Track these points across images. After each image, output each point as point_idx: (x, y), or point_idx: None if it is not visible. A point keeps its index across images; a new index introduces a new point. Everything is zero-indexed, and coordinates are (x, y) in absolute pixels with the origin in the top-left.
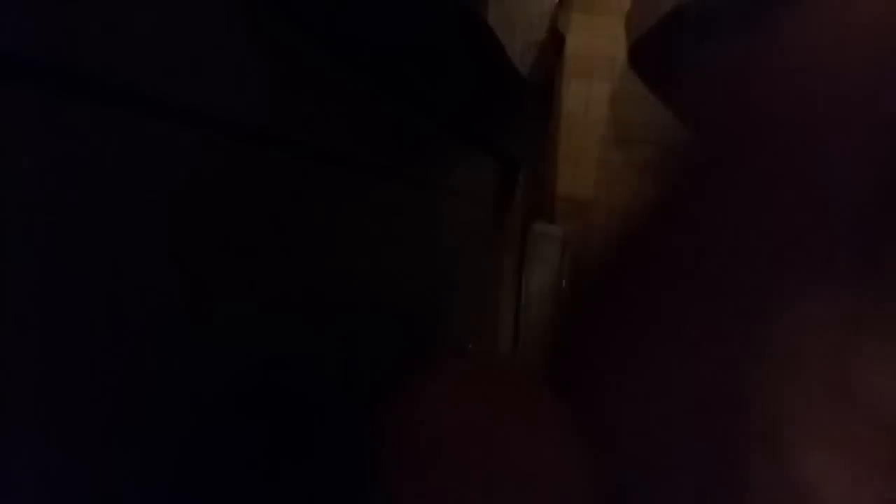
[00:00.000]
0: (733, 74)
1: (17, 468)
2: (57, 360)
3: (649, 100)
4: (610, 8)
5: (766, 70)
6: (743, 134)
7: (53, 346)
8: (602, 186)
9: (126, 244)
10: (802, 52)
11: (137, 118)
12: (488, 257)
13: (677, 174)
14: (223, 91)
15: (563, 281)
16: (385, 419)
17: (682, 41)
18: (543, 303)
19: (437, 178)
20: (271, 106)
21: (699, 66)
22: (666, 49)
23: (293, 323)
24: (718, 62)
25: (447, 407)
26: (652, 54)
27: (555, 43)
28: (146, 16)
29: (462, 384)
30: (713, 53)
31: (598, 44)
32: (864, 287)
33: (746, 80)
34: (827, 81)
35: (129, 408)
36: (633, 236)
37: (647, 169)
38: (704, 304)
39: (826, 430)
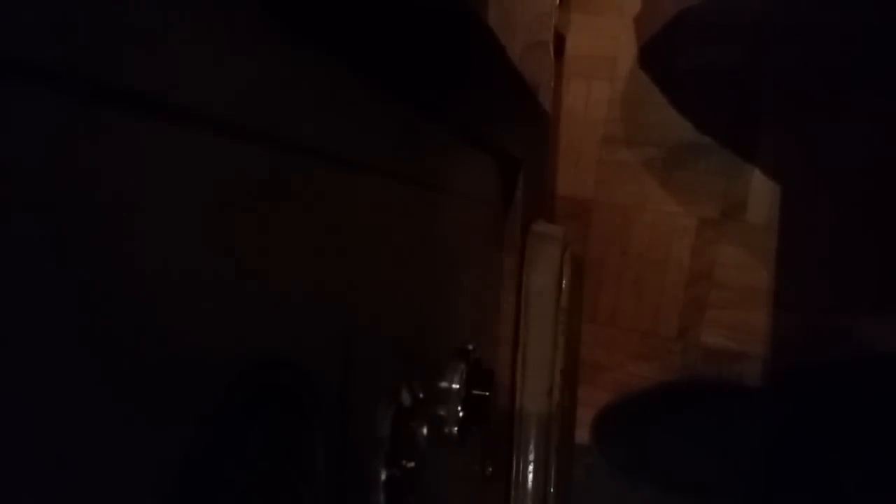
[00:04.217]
0: None
1: (13, 468)
2: (55, 360)
3: (649, 100)
4: (610, 8)
5: None
6: None
7: (51, 347)
8: (602, 186)
9: (126, 244)
10: None
11: (138, 119)
12: (488, 257)
13: None
14: (223, 91)
15: (563, 281)
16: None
17: (688, 44)
18: (543, 303)
19: (437, 178)
20: (268, 105)
21: (704, 67)
22: (674, 52)
23: (291, 323)
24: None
25: None
26: (661, 57)
27: (555, 43)
28: (148, 16)
29: None
30: (715, 55)
31: (598, 44)
32: None
33: None
34: None
35: (127, 408)
36: None
37: (647, 169)
38: None
39: None
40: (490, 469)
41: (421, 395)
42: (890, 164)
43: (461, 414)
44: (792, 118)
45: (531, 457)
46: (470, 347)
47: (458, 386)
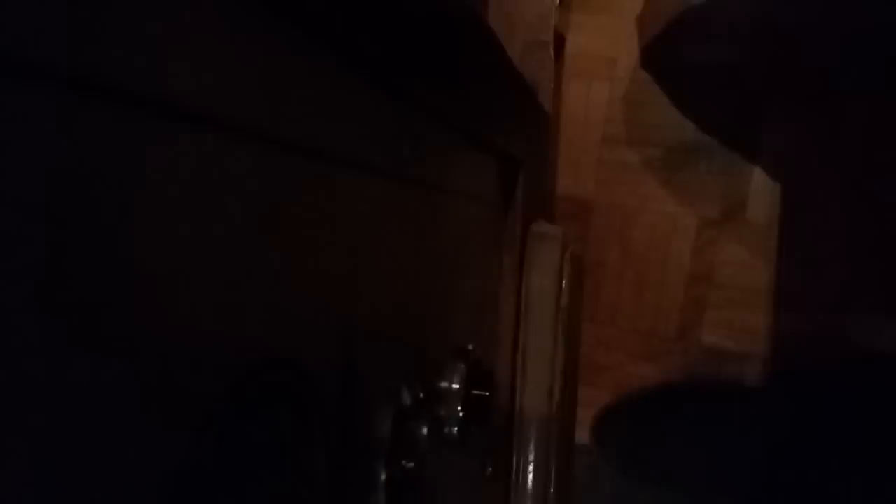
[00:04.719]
0: None
1: (14, 469)
2: (55, 361)
3: (649, 100)
4: (610, 8)
5: None
6: None
7: (51, 348)
8: (602, 186)
9: (126, 244)
10: None
11: (138, 119)
12: (488, 257)
13: None
14: (223, 91)
15: (563, 281)
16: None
17: (690, 43)
18: (543, 303)
19: (437, 178)
20: (269, 105)
21: (705, 66)
22: (675, 51)
23: (292, 323)
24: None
25: None
26: (662, 56)
27: (555, 43)
28: (149, 15)
29: None
30: (718, 55)
31: (598, 44)
32: None
33: None
34: None
35: (128, 408)
36: None
37: (647, 169)
38: None
39: None
40: (490, 469)
41: (421, 395)
42: (890, 163)
43: (461, 414)
44: (792, 118)
45: (531, 457)
46: (470, 347)
47: (458, 386)
